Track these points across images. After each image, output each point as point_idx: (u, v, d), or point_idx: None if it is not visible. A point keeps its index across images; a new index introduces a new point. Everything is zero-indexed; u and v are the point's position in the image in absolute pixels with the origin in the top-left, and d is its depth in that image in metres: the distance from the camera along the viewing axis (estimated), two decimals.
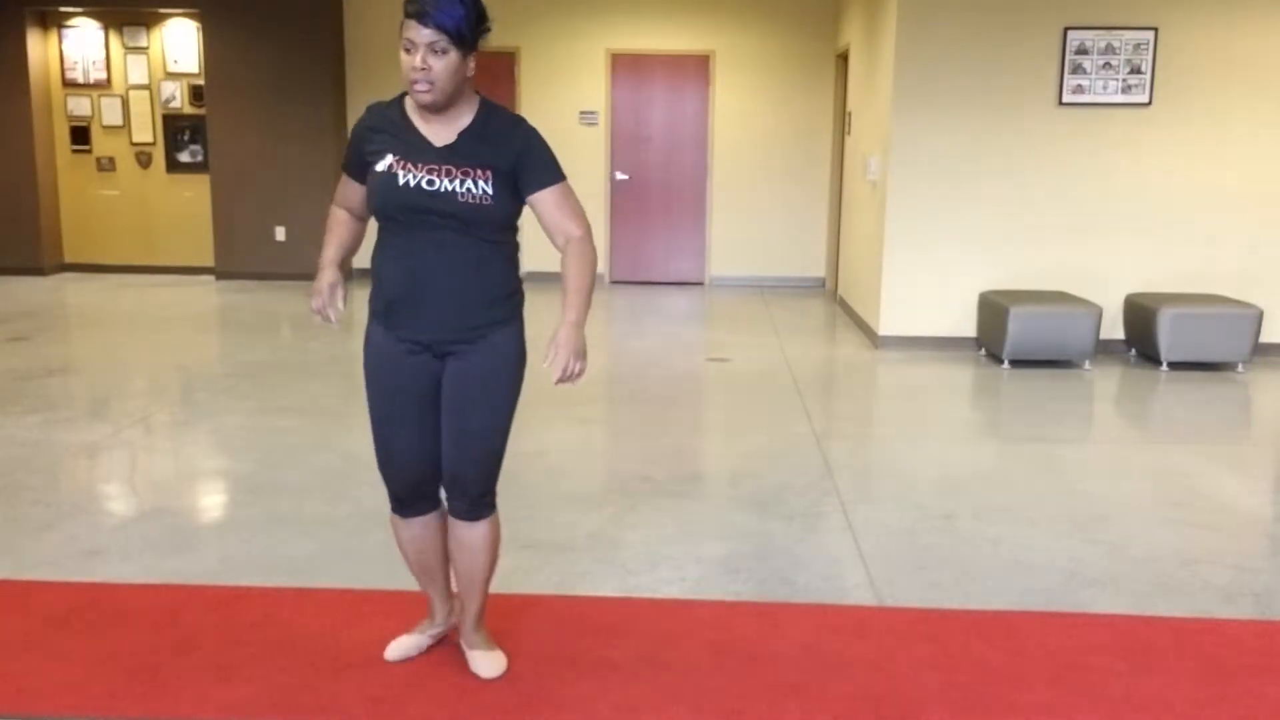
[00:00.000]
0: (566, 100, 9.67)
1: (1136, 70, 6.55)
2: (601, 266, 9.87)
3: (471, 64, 2.26)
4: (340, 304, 2.45)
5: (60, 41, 9.86)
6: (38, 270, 9.80)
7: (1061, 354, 6.32)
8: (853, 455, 4.53)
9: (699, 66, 9.64)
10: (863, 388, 5.99)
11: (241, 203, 9.61)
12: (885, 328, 6.90)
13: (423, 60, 2.17)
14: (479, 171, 2.26)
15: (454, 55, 2.19)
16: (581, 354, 2.28)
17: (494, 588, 2.88)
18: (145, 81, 9.89)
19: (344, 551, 3.35)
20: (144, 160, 10.02)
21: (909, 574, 3.24)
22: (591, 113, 9.68)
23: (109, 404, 5.24)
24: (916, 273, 6.81)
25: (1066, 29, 6.53)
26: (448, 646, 2.67)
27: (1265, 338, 6.60)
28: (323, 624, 2.79)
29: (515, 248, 2.42)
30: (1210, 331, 6.26)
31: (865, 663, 2.64)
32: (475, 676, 2.53)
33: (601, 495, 3.95)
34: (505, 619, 2.79)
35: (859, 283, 7.81)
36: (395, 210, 2.28)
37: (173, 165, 10.00)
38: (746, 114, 9.69)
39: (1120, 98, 6.59)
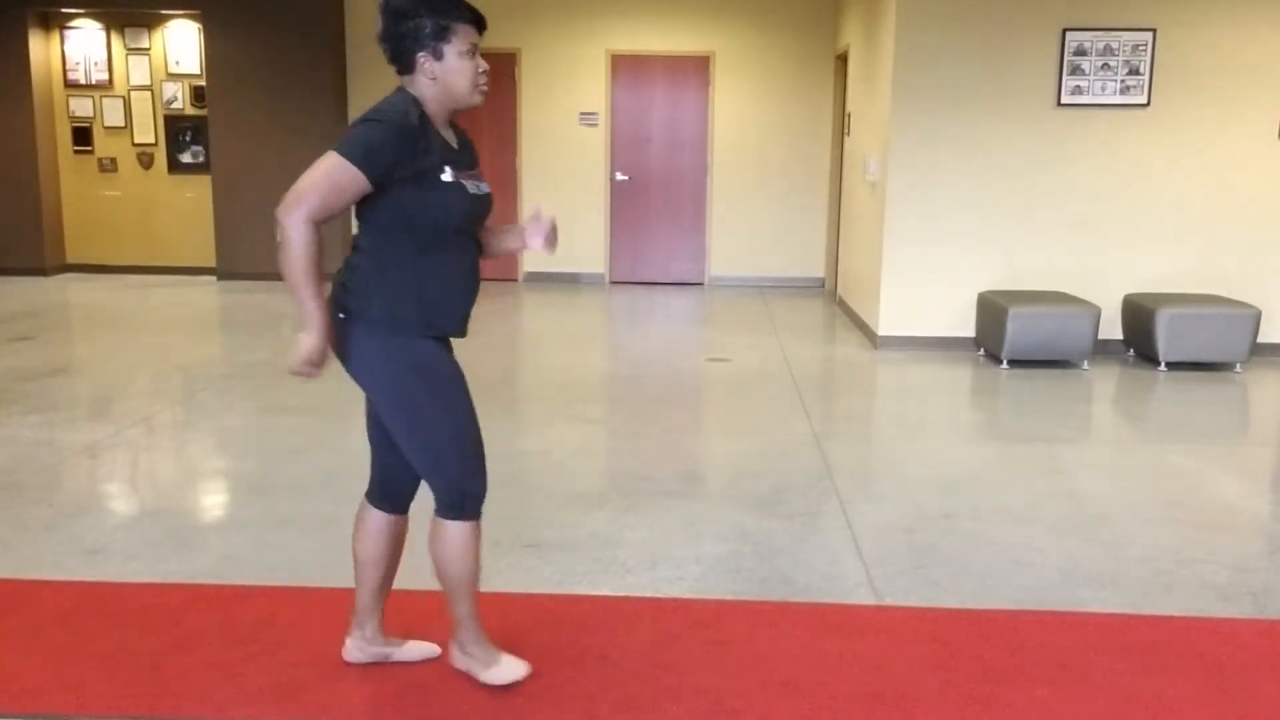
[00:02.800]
0: (567, 101, 9.69)
1: (1135, 71, 6.56)
2: (601, 267, 9.88)
3: None
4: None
5: (62, 43, 9.88)
6: (40, 271, 9.82)
7: (1060, 354, 6.33)
8: (853, 455, 4.53)
9: (699, 67, 9.65)
10: (862, 388, 6.00)
11: (243, 203, 9.61)
12: (885, 328, 6.91)
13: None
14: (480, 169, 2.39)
15: None
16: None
17: (495, 587, 2.89)
18: (147, 82, 9.91)
19: (344, 551, 3.34)
20: (146, 161, 10.04)
21: (909, 574, 3.24)
22: (592, 114, 9.69)
23: (111, 404, 5.24)
24: (916, 273, 6.82)
25: (1065, 30, 6.54)
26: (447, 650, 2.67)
27: (1263, 338, 6.61)
28: (323, 624, 2.79)
29: None
30: (1208, 332, 6.26)
31: (865, 662, 2.65)
32: (472, 679, 2.52)
33: (601, 495, 3.96)
34: (505, 619, 2.80)
35: (858, 283, 7.81)
36: (465, 222, 2.29)
37: (174, 166, 10.02)
38: (746, 114, 9.70)
39: (1119, 99, 6.60)
